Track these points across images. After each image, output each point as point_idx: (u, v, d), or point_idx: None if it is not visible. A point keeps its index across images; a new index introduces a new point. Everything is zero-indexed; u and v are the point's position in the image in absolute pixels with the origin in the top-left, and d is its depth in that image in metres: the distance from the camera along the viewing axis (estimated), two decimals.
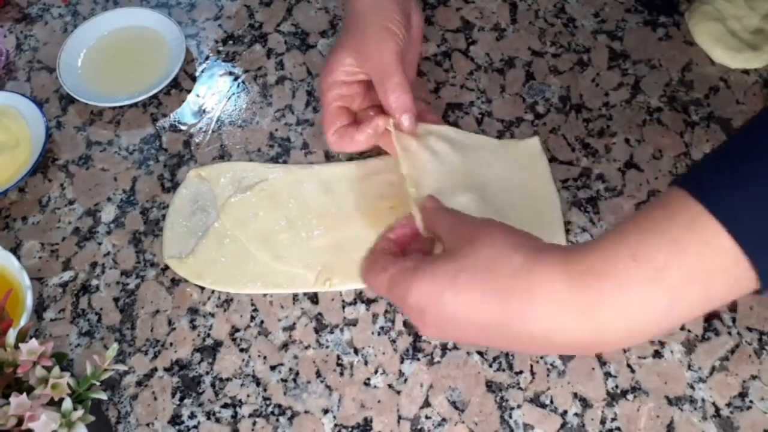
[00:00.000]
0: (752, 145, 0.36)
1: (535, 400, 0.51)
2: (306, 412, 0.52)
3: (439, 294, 0.40)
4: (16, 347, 0.42)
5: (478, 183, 0.57)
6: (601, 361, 0.53)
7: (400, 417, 0.51)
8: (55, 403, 0.41)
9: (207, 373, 0.54)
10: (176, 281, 0.58)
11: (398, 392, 0.52)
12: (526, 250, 0.39)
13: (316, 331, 0.55)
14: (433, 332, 0.42)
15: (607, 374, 0.52)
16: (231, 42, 0.72)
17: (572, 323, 0.37)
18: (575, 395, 0.52)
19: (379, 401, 0.52)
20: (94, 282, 0.58)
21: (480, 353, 0.53)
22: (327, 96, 0.59)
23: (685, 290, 0.35)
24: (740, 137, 0.38)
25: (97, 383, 0.43)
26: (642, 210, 0.38)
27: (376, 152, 0.63)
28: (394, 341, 0.54)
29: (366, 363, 0.54)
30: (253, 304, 0.57)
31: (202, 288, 0.57)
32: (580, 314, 0.36)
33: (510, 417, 0.51)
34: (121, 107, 0.68)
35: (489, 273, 0.39)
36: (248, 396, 0.53)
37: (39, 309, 0.57)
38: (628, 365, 0.52)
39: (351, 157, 0.63)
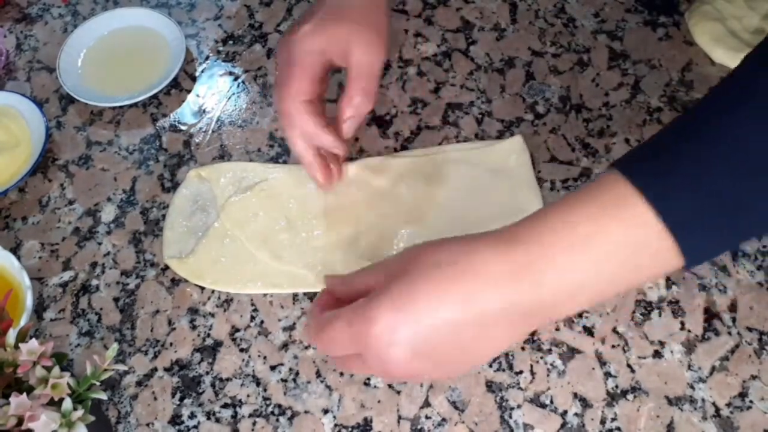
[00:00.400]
0: (680, 130, 0.38)
1: (535, 400, 0.51)
2: (306, 412, 0.52)
3: (401, 308, 0.38)
4: (16, 347, 0.42)
5: (421, 208, 0.58)
6: (601, 361, 0.53)
7: (400, 417, 0.51)
8: (55, 403, 0.41)
9: (207, 373, 0.54)
10: (176, 281, 0.58)
11: (398, 392, 0.52)
12: (459, 243, 0.40)
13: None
14: (402, 360, 0.39)
15: (607, 374, 0.52)
16: (231, 42, 0.72)
17: (514, 292, 0.38)
18: (575, 395, 0.52)
19: (379, 401, 0.52)
20: (94, 282, 0.58)
21: None
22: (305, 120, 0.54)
23: (609, 261, 0.37)
24: (673, 125, 0.40)
25: (97, 383, 0.43)
26: (575, 189, 0.39)
27: (375, 152, 0.63)
28: None
29: None
30: (253, 304, 0.57)
31: (202, 288, 0.57)
32: (517, 281, 0.38)
33: (510, 417, 0.51)
34: (121, 107, 0.68)
35: (440, 271, 0.39)
36: (248, 396, 0.53)
37: (39, 309, 0.57)
38: (628, 365, 0.52)
39: (350, 158, 0.63)
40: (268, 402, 0.52)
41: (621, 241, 0.37)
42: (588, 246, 0.37)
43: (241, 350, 0.55)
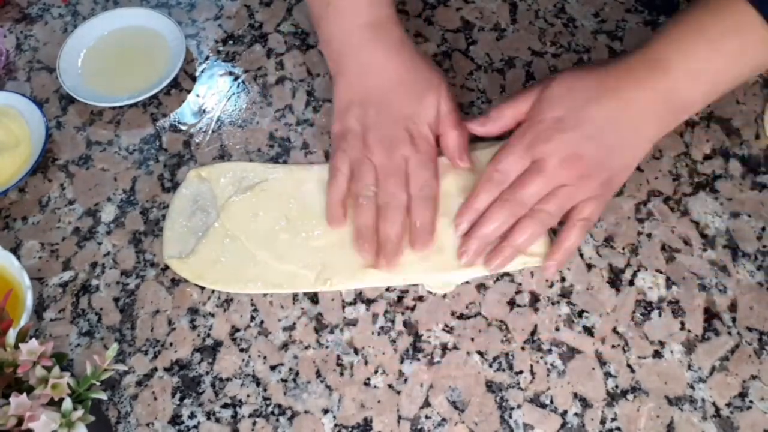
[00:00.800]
0: None
1: (535, 400, 0.51)
2: (306, 412, 0.52)
3: (574, 74, 0.55)
4: (16, 347, 0.42)
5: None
6: (601, 361, 0.53)
7: (400, 417, 0.51)
8: (55, 403, 0.41)
9: (207, 373, 0.54)
10: (176, 281, 0.58)
11: (398, 392, 0.52)
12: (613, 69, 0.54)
13: (316, 331, 0.55)
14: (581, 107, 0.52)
15: (607, 374, 0.52)
16: (231, 42, 0.72)
17: (653, 82, 0.51)
18: (575, 395, 0.52)
19: (379, 401, 0.52)
20: (94, 282, 0.58)
21: (480, 353, 0.53)
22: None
23: (723, 47, 0.49)
24: None
25: (97, 383, 0.43)
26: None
27: None
28: (394, 341, 0.54)
29: (366, 363, 0.54)
30: (253, 304, 0.57)
31: (202, 288, 0.57)
32: (653, 73, 0.51)
33: (510, 417, 0.51)
34: (121, 107, 0.68)
35: (591, 69, 0.54)
36: (248, 396, 0.53)
37: (39, 309, 0.57)
38: (628, 365, 0.52)
39: None
40: (268, 402, 0.52)
41: (730, 33, 0.49)
42: (714, 53, 0.50)
43: (241, 350, 0.55)
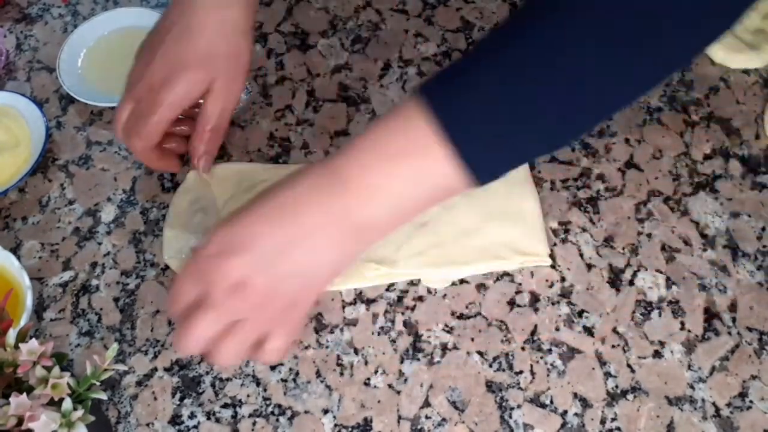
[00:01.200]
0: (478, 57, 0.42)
1: (535, 400, 0.51)
2: (306, 412, 0.52)
3: (233, 222, 0.46)
4: (16, 347, 0.42)
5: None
6: (602, 361, 0.53)
7: (400, 417, 0.51)
8: (55, 403, 0.41)
9: (207, 373, 0.54)
10: None
11: (398, 392, 0.52)
12: (281, 186, 0.46)
13: (316, 331, 0.55)
14: (240, 268, 0.44)
15: (607, 374, 0.52)
16: None
17: (330, 204, 0.44)
18: (575, 395, 0.52)
19: (379, 401, 0.52)
20: (94, 282, 0.58)
21: (480, 353, 0.53)
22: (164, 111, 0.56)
23: (408, 184, 0.43)
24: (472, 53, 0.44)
25: (97, 383, 0.43)
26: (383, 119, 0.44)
27: None
28: (394, 341, 0.54)
29: (366, 363, 0.54)
30: None
31: None
32: (331, 195, 0.44)
33: (510, 417, 0.51)
34: None
35: (263, 200, 0.46)
36: (248, 396, 0.53)
37: (39, 309, 0.57)
38: (628, 365, 0.52)
39: None
40: (268, 402, 0.52)
41: (413, 170, 0.43)
42: (389, 178, 0.43)
43: None
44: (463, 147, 0.40)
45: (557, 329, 0.54)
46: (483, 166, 0.42)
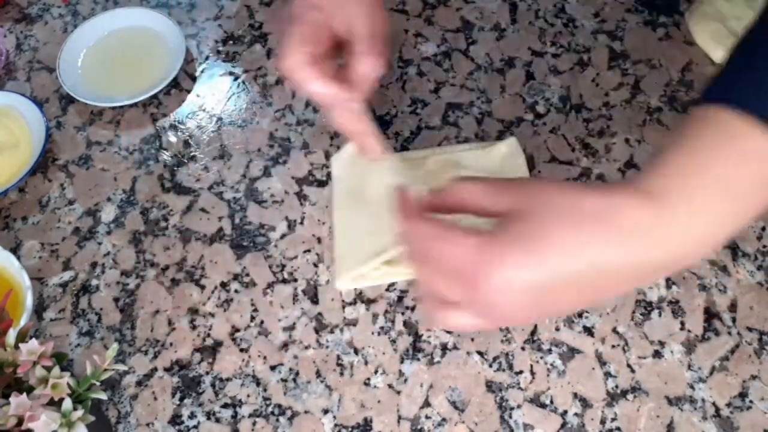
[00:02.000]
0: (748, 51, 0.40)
1: (535, 400, 0.51)
2: (306, 412, 0.52)
3: (533, 250, 0.36)
4: (16, 347, 0.42)
5: None
6: (601, 361, 0.53)
7: (400, 417, 0.51)
8: (55, 403, 0.41)
9: (207, 373, 0.54)
10: (176, 281, 0.58)
11: (398, 392, 0.52)
12: (596, 192, 0.37)
13: (316, 331, 0.55)
14: (519, 305, 0.37)
15: (607, 374, 0.52)
16: (231, 42, 0.72)
17: (649, 247, 0.36)
18: (575, 395, 0.52)
19: (379, 401, 0.52)
20: (94, 282, 0.58)
21: (480, 353, 0.53)
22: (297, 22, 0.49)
23: (751, 196, 0.36)
24: (743, 44, 0.41)
25: (97, 383, 0.43)
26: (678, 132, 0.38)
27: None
28: (394, 341, 0.54)
29: (366, 363, 0.54)
30: (252, 304, 0.57)
31: (202, 288, 0.57)
32: (652, 236, 0.36)
33: (510, 417, 0.51)
34: (121, 107, 0.68)
35: (581, 218, 0.36)
36: (248, 396, 0.53)
37: (39, 309, 0.57)
38: (628, 365, 0.52)
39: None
40: (268, 402, 0.52)
41: (746, 177, 0.36)
42: (724, 193, 0.36)
43: (241, 350, 0.55)
44: None
45: (557, 329, 0.54)
46: None
